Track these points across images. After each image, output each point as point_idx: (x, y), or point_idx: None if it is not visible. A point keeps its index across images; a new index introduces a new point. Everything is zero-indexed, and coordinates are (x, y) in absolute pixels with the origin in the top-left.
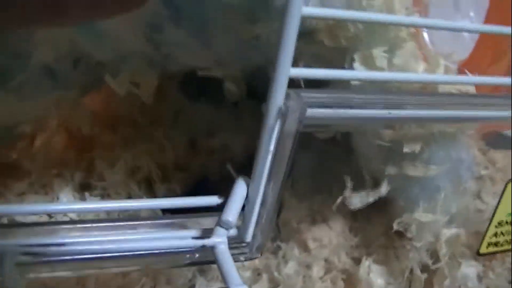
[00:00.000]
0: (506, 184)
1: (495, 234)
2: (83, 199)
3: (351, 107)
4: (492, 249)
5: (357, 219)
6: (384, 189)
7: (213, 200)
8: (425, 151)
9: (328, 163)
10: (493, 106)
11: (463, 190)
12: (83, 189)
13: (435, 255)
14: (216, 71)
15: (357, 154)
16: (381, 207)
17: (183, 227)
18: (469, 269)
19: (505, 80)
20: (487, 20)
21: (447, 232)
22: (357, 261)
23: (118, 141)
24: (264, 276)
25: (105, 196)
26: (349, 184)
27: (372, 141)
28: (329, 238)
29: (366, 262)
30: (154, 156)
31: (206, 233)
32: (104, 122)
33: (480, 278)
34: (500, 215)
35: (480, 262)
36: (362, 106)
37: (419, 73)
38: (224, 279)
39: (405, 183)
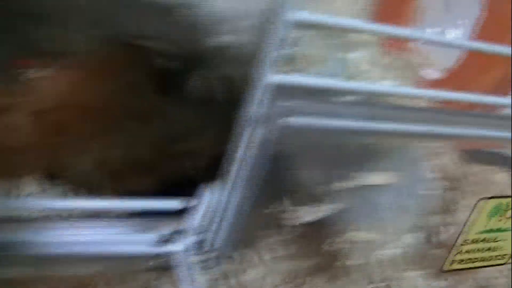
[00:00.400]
0: (477, 202)
1: (460, 252)
2: (45, 189)
3: (332, 117)
4: (456, 266)
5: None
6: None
7: (174, 204)
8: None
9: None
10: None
11: (406, 207)
12: (47, 180)
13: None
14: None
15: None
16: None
17: (143, 230)
18: None
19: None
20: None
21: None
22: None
23: (86, 130)
24: (221, 283)
25: (68, 189)
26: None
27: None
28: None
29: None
30: (125, 148)
31: (165, 238)
32: (73, 110)
33: None
34: (468, 233)
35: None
36: (344, 117)
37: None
38: None
39: (347, 199)
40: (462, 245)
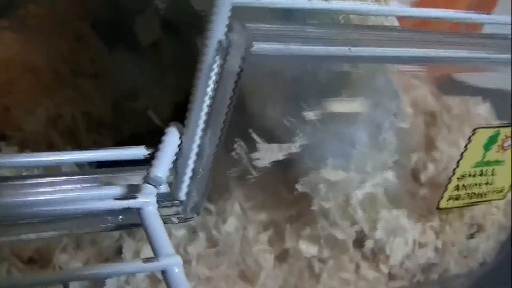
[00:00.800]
0: (473, 132)
1: (457, 187)
2: None
3: (305, 42)
4: (453, 203)
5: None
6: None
7: (139, 151)
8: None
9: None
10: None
11: (382, 142)
12: None
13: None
14: None
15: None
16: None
17: (107, 184)
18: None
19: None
20: None
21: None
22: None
23: (37, 87)
24: (201, 235)
25: (23, 148)
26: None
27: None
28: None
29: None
30: (78, 104)
31: (132, 191)
32: (21, 66)
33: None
34: (464, 167)
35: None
36: (318, 41)
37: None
38: (152, 247)
39: (316, 135)
40: (458, 179)
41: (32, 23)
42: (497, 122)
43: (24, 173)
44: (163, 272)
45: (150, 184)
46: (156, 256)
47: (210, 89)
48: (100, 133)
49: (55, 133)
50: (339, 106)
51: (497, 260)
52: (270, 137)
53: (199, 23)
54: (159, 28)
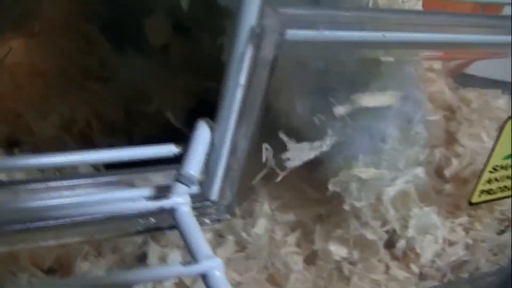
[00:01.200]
0: (505, 122)
1: (489, 181)
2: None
3: (339, 27)
4: (485, 197)
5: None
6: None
7: (169, 149)
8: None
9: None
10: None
11: (414, 136)
12: (11, 146)
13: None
14: None
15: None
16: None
17: (132, 185)
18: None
19: None
20: None
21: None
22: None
23: (48, 91)
24: (230, 238)
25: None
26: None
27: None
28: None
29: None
30: (91, 107)
31: (162, 191)
32: (32, 71)
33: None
34: (496, 159)
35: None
36: (352, 27)
37: None
38: (189, 250)
39: (346, 131)
40: (490, 172)
41: (41, 27)
42: None
43: (42, 176)
44: (204, 276)
45: (182, 183)
46: (194, 259)
47: (242, 80)
48: (114, 136)
49: (69, 137)
50: (370, 100)
51: None
52: (299, 136)
53: (223, 21)
54: (170, 30)
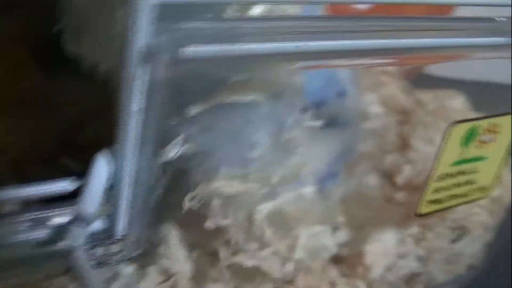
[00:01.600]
0: (448, 128)
1: (436, 190)
2: None
3: (246, 40)
4: (433, 207)
5: None
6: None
7: (63, 185)
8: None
9: None
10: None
11: (286, 142)
12: None
13: None
14: None
15: None
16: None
17: (33, 226)
18: None
19: None
20: None
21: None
22: None
23: None
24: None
25: None
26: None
27: None
28: None
29: None
30: (23, 136)
31: (59, 232)
32: None
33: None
34: (442, 167)
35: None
36: (261, 39)
37: None
38: None
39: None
40: (436, 181)
41: None
42: (475, 115)
43: None
44: None
45: (76, 224)
46: None
47: (136, 106)
48: (49, 167)
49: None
50: (228, 96)
51: (485, 263)
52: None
53: None
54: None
